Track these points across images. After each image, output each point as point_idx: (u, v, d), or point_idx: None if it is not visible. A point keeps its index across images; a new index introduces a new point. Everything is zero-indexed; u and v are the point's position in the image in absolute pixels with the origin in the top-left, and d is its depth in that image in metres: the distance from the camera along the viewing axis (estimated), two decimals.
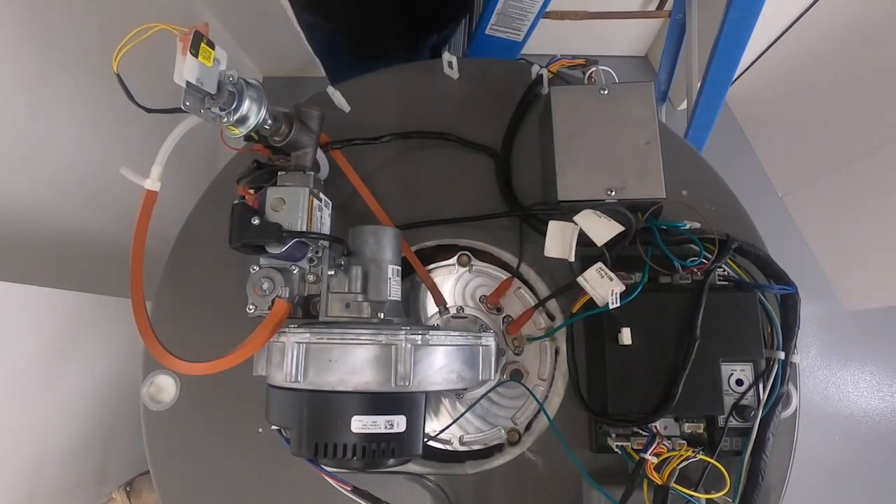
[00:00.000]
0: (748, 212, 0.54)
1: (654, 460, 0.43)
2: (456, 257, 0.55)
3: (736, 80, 1.58)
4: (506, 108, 0.56)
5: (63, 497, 0.72)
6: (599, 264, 0.46)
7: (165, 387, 0.52)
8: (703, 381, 0.45)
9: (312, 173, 0.44)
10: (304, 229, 0.41)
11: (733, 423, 0.45)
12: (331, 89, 0.57)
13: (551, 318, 0.54)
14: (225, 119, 0.36)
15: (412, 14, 0.75)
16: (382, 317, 0.42)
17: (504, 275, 0.55)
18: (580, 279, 0.46)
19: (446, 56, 0.57)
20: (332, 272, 0.42)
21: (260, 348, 0.38)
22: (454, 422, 0.51)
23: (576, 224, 0.46)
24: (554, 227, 0.46)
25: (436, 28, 0.76)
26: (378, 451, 0.36)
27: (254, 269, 0.41)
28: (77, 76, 0.82)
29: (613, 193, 0.46)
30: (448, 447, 0.52)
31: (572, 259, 0.46)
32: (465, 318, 0.55)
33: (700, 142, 1.12)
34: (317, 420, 0.36)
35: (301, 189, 0.42)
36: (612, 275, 0.45)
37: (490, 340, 0.43)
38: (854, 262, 1.48)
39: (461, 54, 0.98)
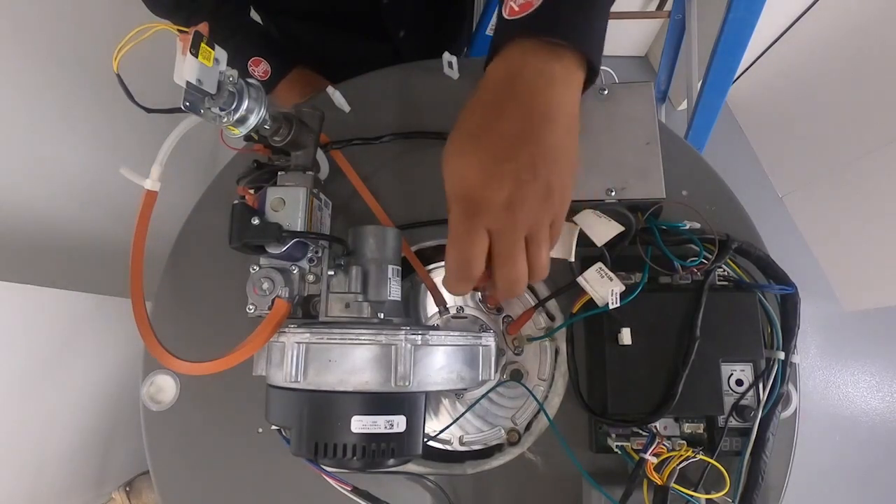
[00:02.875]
0: (748, 212, 0.54)
1: (654, 460, 0.43)
2: None
3: (736, 80, 1.58)
4: None
5: (63, 497, 0.72)
6: (599, 264, 0.46)
7: (165, 387, 0.52)
8: (703, 382, 0.45)
9: (312, 173, 0.44)
10: (304, 229, 0.41)
11: (733, 423, 0.45)
12: (331, 89, 0.57)
13: (551, 318, 0.54)
14: (225, 119, 0.36)
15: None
16: (382, 317, 0.42)
17: None
18: (580, 279, 0.46)
19: (446, 56, 0.57)
20: (332, 272, 0.42)
21: (260, 348, 0.38)
22: (454, 422, 0.51)
23: (576, 224, 0.46)
24: None
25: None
26: (378, 451, 0.36)
27: (254, 269, 0.41)
28: (77, 76, 0.82)
29: (613, 193, 0.46)
30: (448, 447, 0.52)
31: (572, 259, 0.46)
32: (465, 318, 0.55)
33: (700, 142, 1.12)
34: (317, 420, 0.36)
35: (301, 189, 0.42)
36: (612, 275, 0.45)
37: (490, 340, 0.43)
38: (854, 262, 1.48)
39: (461, 54, 0.98)
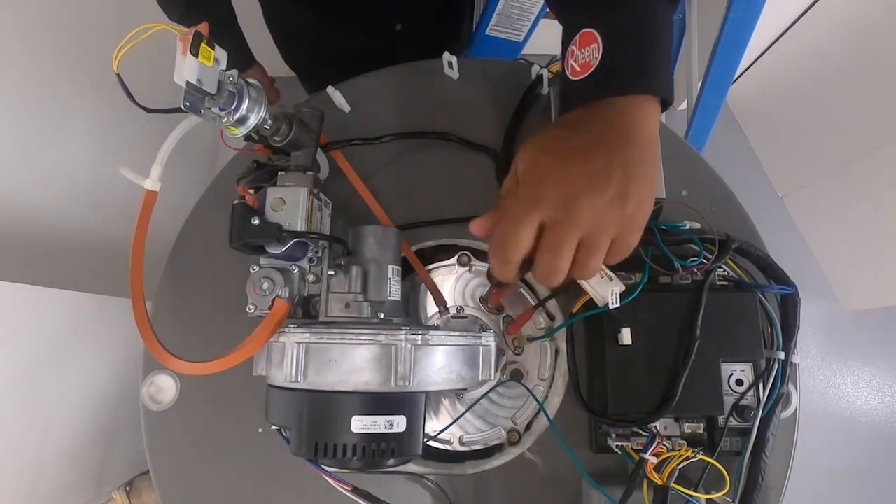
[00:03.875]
0: (748, 212, 0.54)
1: (654, 460, 0.43)
2: (456, 257, 0.55)
3: (736, 80, 1.58)
4: (506, 108, 0.56)
5: (63, 497, 0.72)
6: None
7: (165, 387, 0.52)
8: (703, 381, 0.45)
9: (312, 173, 0.44)
10: (304, 229, 0.41)
11: (733, 423, 0.45)
12: (331, 89, 0.57)
13: (551, 318, 0.54)
14: (225, 119, 0.36)
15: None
16: (382, 317, 0.42)
17: None
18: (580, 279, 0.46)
19: (446, 56, 0.57)
20: (332, 272, 0.42)
21: (260, 348, 0.38)
22: (454, 422, 0.51)
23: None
24: None
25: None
26: (378, 451, 0.36)
27: (254, 269, 0.41)
28: (77, 76, 0.82)
29: None
30: (448, 447, 0.52)
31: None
32: (465, 318, 0.55)
33: (700, 142, 1.12)
34: (317, 420, 0.36)
35: (301, 189, 0.42)
36: (612, 275, 0.45)
37: (490, 340, 0.43)
38: (854, 262, 1.48)
39: (461, 54, 0.98)
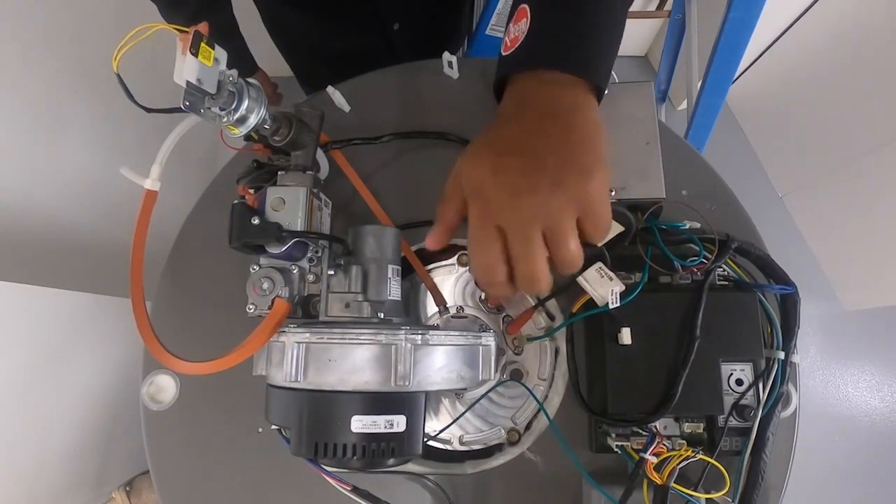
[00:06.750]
0: (748, 212, 0.54)
1: (654, 460, 0.43)
2: (456, 257, 0.55)
3: (736, 80, 1.58)
4: None
5: (63, 497, 0.73)
6: (599, 264, 0.46)
7: (165, 387, 0.52)
8: (703, 381, 0.45)
9: (312, 173, 0.44)
10: (304, 229, 0.41)
11: (733, 422, 0.45)
12: (331, 89, 0.57)
13: (551, 318, 0.54)
14: (225, 119, 0.36)
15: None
16: (382, 317, 0.42)
17: None
18: (580, 279, 0.46)
19: (446, 56, 0.57)
20: (332, 272, 0.42)
21: (260, 348, 0.38)
22: (454, 422, 0.51)
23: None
24: None
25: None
26: (378, 450, 0.36)
27: (254, 269, 0.41)
28: (77, 76, 0.82)
29: (613, 193, 0.46)
30: (448, 447, 0.52)
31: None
32: (465, 318, 0.55)
33: (700, 142, 1.12)
34: (317, 420, 0.36)
35: (301, 189, 0.42)
36: (612, 275, 0.45)
37: (490, 340, 0.43)
38: (854, 262, 1.48)
39: (459, 52, 0.98)
